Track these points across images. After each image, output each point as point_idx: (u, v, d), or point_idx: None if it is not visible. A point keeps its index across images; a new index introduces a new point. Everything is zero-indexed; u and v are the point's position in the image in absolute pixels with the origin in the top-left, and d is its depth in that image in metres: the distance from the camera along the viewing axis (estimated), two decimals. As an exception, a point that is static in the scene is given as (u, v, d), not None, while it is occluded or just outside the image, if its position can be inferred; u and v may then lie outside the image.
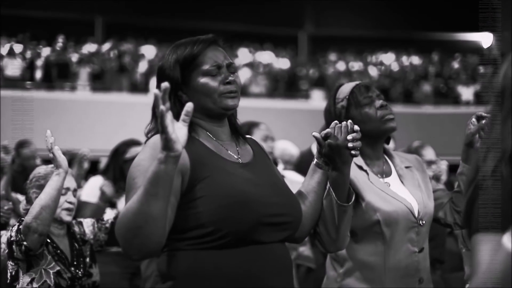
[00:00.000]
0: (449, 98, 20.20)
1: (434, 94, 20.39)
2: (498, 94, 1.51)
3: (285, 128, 13.63)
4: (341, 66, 21.29)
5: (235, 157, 2.12)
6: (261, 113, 13.28)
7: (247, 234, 1.96)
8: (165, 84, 1.72)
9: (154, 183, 1.77)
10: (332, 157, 2.21)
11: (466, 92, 20.13)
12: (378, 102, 2.73)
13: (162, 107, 1.71)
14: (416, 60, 22.43)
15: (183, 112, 1.80)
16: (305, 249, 4.87)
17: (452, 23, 22.91)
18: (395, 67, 21.84)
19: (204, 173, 1.98)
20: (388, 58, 22.57)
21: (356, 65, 21.51)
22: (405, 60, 22.47)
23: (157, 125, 1.75)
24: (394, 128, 2.75)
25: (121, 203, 4.78)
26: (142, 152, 2.02)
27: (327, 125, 2.27)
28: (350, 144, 2.17)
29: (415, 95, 20.33)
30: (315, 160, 2.26)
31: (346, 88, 2.79)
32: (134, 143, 5.00)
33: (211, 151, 2.07)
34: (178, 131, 1.77)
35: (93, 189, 4.86)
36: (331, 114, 2.76)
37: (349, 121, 2.21)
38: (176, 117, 1.81)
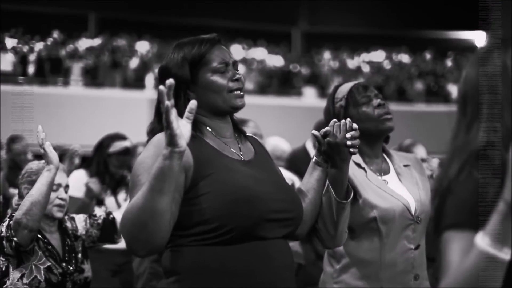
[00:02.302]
0: (440, 96, 20.27)
1: (426, 92, 20.46)
2: (461, 100, 1.51)
3: (278, 125, 13.62)
4: (334, 63, 21.30)
5: (238, 154, 2.16)
6: (254, 110, 13.27)
7: (250, 230, 1.99)
8: (170, 81, 1.75)
9: (159, 178, 1.79)
10: (331, 155, 2.25)
11: (456, 90, 20.20)
12: (376, 101, 2.78)
13: (167, 102, 1.74)
14: (409, 58, 22.47)
15: (187, 109, 1.83)
16: (294, 245, 4.87)
17: (445, 22, 22.96)
18: (388, 65, 21.87)
19: (207, 170, 2.01)
20: (382, 56, 22.59)
21: (349, 63, 21.53)
22: (398, 58, 22.51)
23: (162, 121, 1.78)
24: (392, 128, 2.80)
25: (108, 199, 4.75)
26: (145, 150, 2.04)
27: (327, 124, 2.31)
28: (348, 142, 2.21)
29: (408, 93, 20.39)
30: (314, 158, 2.30)
31: (344, 88, 2.84)
32: (118, 137, 4.98)
33: (214, 149, 2.11)
34: (182, 127, 1.80)
35: (76, 182, 4.81)
36: (330, 113, 2.80)
37: (348, 119, 2.25)
38: (182, 115, 1.84)
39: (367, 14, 23.71)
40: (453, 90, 20.33)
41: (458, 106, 1.52)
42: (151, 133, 2.13)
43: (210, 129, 2.16)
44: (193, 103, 1.83)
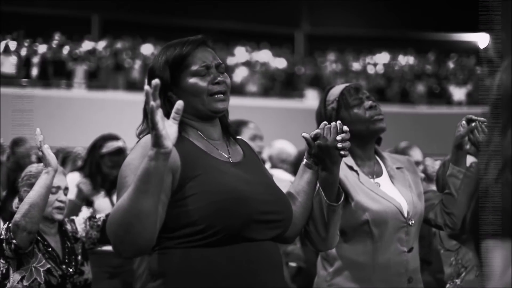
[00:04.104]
0: (442, 99, 20.25)
1: (428, 94, 20.44)
2: (495, 104, 1.50)
3: (281, 127, 13.64)
4: (337, 65, 21.30)
5: (226, 156, 2.14)
6: (257, 112, 13.29)
7: (239, 231, 1.97)
8: (156, 81, 1.74)
9: (144, 180, 1.78)
10: (322, 158, 2.22)
11: (458, 93, 20.19)
12: (368, 103, 2.76)
13: (152, 103, 1.73)
14: (412, 60, 22.45)
15: (174, 110, 1.81)
16: (294, 248, 4.87)
17: (448, 24, 22.94)
18: (391, 67, 21.85)
19: (195, 172, 2.00)
20: (385, 58, 22.58)
21: (352, 65, 21.52)
22: (401, 60, 22.49)
23: (148, 122, 1.76)
24: (384, 129, 2.78)
25: (98, 201, 4.73)
26: (133, 152, 2.03)
27: (318, 127, 2.29)
28: (339, 145, 2.18)
29: (410, 95, 20.38)
30: (305, 160, 2.28)
31: (336, 90, 2.82)
32: (111, 137, 4.96)
33: (202, 150, 2.09)
34: (168, 128, 1.79)
35: (70, 185, 4.79)
36: (322, 116, 2.79)
37: (338, 121, 2.22)
38: (166, 117, 1.83)
39: (369, 16, 23.71)
40: (456, 92, 20.31)
41: (491, 111, 1.50)
42: (141, 134, 2.12)
43: (198, 131, 2.14)
44: (179, 104, 1.81)
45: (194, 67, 2.12)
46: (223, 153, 2.14)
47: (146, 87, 1.74)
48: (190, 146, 2.08)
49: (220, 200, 1.95)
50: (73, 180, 4.77)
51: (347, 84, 2.86)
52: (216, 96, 2.12)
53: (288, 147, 5.95)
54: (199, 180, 1.98)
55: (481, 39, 22.21)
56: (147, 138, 1.96)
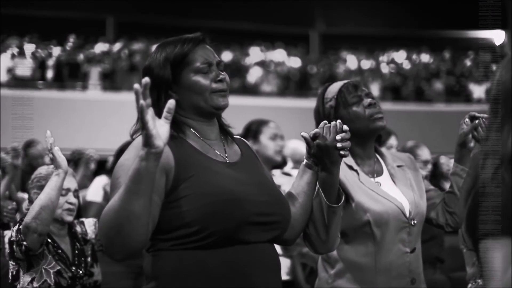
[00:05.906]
0: (461, 96, 20.12)
1: (446, 92, 20.31)
2: (494, 101, 1.49)
3: (296, 127, 13.60)
4: (352, 64, 21.23)
5: (222, 156, 2.10)
6: (272, 112, 13.26)
7: (233, 233, 1.93)
8: (146, 79, 1.71)
9: (135, 180, 1.75)
10: (321, 158, 2.17)
11: (478, 90, 20.06)
12: (367, 101, 2.69)
13: (142, 102, 1.70)
14: (428, 58, 22.34)
15: (165, 109, 1.78)
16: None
17: (464, 21, 22.81)
18: (407, 65, 21.75)
19: (189, 172, 1.96)
20: (400, 56, 22.48)
21: (367, 64, 21.44)
22: (417, 58, 22.39)
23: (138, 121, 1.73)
24: (383, 127, 2.71)
25: None
26: (126, 152, 2.00)
27: (317, 125, 2.23)
28: (339, 144, 2.13)
29: (427, 93, 20.26)
30: (304, 160, 2.23)
31: (334, 87, 2.76)
32: None
33: (197, 150, 2.05)
34: (160, 128, 1.75)
35: (98, 188, 4.86)
36: (320, 114, 2.74)
37: (338, 121, 2.17)
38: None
39: (383, 15, 23.62)
40: (474, 89, 20.19)
41: (490, 107, 1.49)
42: (134, 135, 2.09)
43: (194, 131, 2.10)
44: (171, 103, 1.78)
45: (196, 64, 2.08)
46: (220, 153, 2.10)
47: (136, 85, 1.70)
48: (185, 146, 2.04)
49: (214, 201, 1.91)
50: (102, 183, 4.81)
51: (345, 82, 2.79)
52: (218, 93, 2.09)
53: (301, 147, 5.91)
54: (193, 181, 1.94)
55: (497, 36, 22.07)
56: (141, 139, 1.91)
